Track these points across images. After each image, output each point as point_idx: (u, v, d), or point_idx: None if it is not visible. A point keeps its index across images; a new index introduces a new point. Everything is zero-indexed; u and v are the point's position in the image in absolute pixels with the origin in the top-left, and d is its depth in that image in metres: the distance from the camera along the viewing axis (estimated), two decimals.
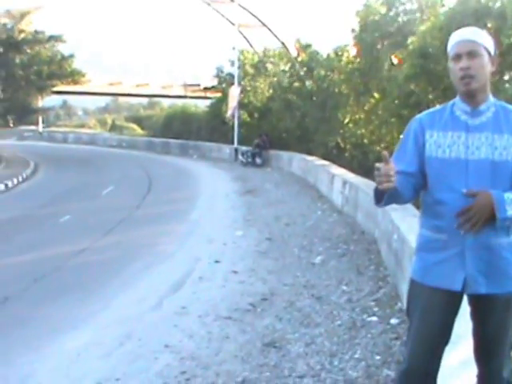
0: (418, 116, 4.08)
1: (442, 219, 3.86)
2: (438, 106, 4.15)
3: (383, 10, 32.86)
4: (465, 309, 4.05)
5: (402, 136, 4.14)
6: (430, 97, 23.10)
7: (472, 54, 3.84)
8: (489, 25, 24.56)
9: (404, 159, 3.95)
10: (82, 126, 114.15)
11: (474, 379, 4.15)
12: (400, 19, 32.62)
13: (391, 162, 3.65)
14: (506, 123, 3.87)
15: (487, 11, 24.25)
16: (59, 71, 49.07)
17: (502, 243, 3.84)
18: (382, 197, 3.83)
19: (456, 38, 3.94)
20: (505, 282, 3.88)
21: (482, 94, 3.90)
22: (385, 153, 3.65)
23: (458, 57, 3.86)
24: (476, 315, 4.00)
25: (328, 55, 41.69)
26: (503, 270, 3.87)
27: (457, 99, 3.99)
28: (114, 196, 24.54)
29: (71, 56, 50.12)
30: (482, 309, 3.93)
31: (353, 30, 34.74)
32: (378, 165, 3.63)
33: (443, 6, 30.84)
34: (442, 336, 3.96)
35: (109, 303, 10.04)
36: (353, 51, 37.19)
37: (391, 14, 32.76)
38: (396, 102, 26.06)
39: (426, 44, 23.03)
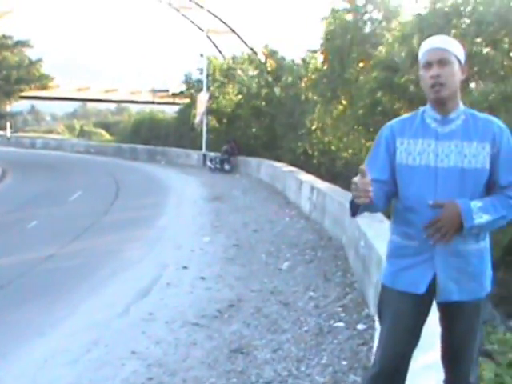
0: (389, 123, 4.10)
1: (412, 227, 3.91)
2: (408, 114, 4.16)
3: (349, 17, 33.07)
4: (434, 313, 4.10)
5: (373, 143, 4.15)
6: (396, 106, 23.31)
7: (442, 62, 3.87)
8: (453, 31, 24.83)
9: (376, 167, 3.95)
10: (50, 131, 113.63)
11: None
12: (366, 27, 32.85)
13: (368, 177, 3.62)
14: (475, 131, 3.91)
15: (458, 14, 24.48)
16: (27, 76, 48.76)
17: (471, 250, 3.90)
18: (358, 209, 3.84)
19: (427, 46, 3.98)
20: (475, 289, 3.96)
21: (452, 102, 3.93)
22: (362, 167, 3.62)
23: (428, 65, 3.89)
24: (445, 321, 4.05)
25: (293, 62, 41.93)
26: (473, 277, 3.94)
27: (427, 107, 4.03)
28: (81, 202, 24.41)
29: (39, 61, 49.83)
30: (452, 315, 3.99)
31: (320, 38, 34.93)
32: (354, 179, 3.60)
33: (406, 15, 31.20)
34: (412, 339, 4.01)
35: (76, 309, 10.01)
36: (320, 58, 37.36)
37: (357, 21, 32.95)
38: (361, 111, 26.24)
39: (391, 55, 23.27)
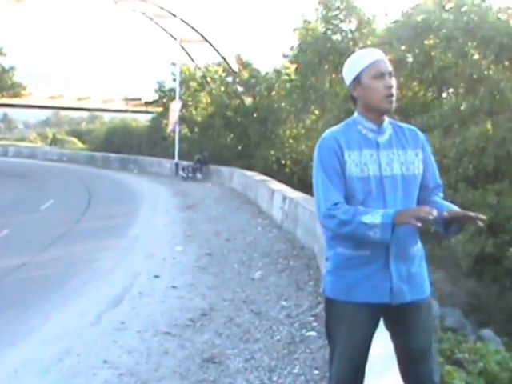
0: (331, 135, 4.02)
1: None
2: (339, 126, 4.12)
3: (321, 28, 33.27)
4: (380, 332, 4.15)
5: (319, 157, 4.00)
6: None
7: (392, 74, 4.00)
8: (426, 42, 25.10)
9: (341, 184, 3.93)
10: (23, 139, 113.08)
11: None
12: (336, 38, 33.09)
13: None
14: (404, 139, 4.07)
15: (428, 28, 24.76)
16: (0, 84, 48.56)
17: (415, 251, 4.03)
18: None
19: (373, 57, 4.04)
20: (421, 288, 4.05)
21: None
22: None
23: (382, 75, 3.96)
24: (402, 326, 4.05)
25: (267, 73, 42.11)
26: (420, 275, 4.05)
27: (358, 118, 4.08)
28: (53, 210, 24.30)
29: (12, 69, 49.66)
30: (408, 317, 4.01)
31: (291, 48, 35.16)
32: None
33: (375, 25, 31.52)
34: (367, 349, 4.03)
35: (48, 318, 9.95)
36: (292, 68, 37.58)
37: (329, 32, 33.19)
38: (334, 121, 26.41)
39: None
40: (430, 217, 3.59)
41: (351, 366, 4.02)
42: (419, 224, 3.61)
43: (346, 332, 3.99)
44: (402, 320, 4.03)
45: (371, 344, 4.06)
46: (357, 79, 4.03)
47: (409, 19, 26.23)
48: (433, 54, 25.36)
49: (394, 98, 3.97)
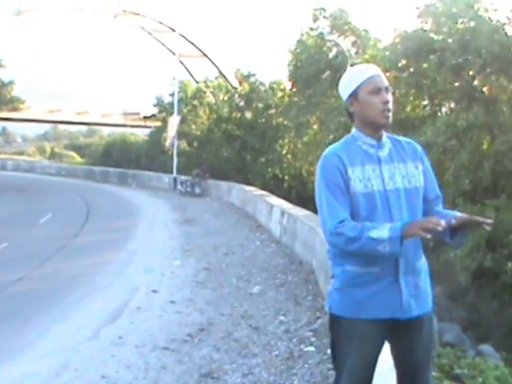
0: (333, 152, 4.02)
1: None
2: (339, 142, 4.14)
3: (316, 45, 33.42)
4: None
5: (322, 174, 4.00)
6: None
7: (388, 90, 4.02)
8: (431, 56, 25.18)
9: (346, 201, 3.91)
10: (21, 153, 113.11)
11: None
12: (332, 54, 33.23)
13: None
14: (404, 152, 4.09)
15: (430, 46, 24.84)
16: None
17: (421, 265, 4.05)
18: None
19: (369, 72, 4.05)
20: (426, 302, 4.06)
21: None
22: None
23: (379, 90, 3.97)
24: (405, 339, 4.03)
25: (265, 90, 42.24)
26: (424, 290, 4.06)
27: (356, 134, 4.09)
28: (51, 224, 24.29)
29: (11, 83, 49.76)
30: (412, 331, 4.01)
31: (288, 65, 35.31)
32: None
33: (379, 41, 31.62)
34: (374, 365, 4.02)
35: (46, 333, 9.93)
36: (288, 85, 37.74)
37: (324, 48, 33.33)
38: (332, 135, 26.45)
39: None
40: (439, 228, 3.60)
41: (363, 380, 4.01)
42: (429, 235, 3.62)
43: (356, 350, 3.96)
44: (407, 333, 4.02)
45: (378, 359, 4.05)
46: (354, 95, 4.04)
47: (402, 41, 26.35)
48: (428, 71, 25.44)
49: (390, 114, 3.98)
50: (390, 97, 4.00)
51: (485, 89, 24.58)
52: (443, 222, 3.61)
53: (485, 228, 3.84)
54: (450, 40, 24.28)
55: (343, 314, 4.00)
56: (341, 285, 4.03)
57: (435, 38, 25.29)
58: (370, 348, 3.97)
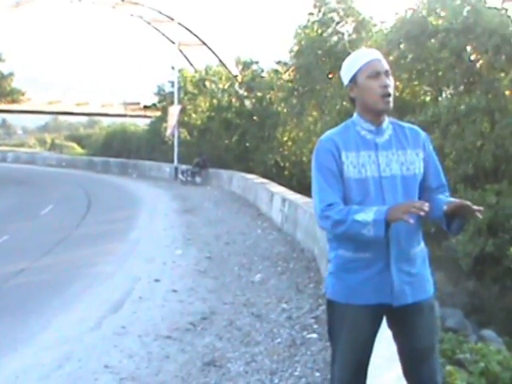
0: (329, 137, 4.02)
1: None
2: (338, 127, 4.13)
3: (317, 31, 33.29)
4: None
5: (316, 158, 4.01)
6: None
7: (388, 74, 3.97)
8: (433, 40, 25.12)
9: (338, 185, 3.92)
10: (22, 144, 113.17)
11: None
12: (333, 40, 33.11)
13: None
14: (405, 139, 4.05)
15: (422, 32, 24.79)
16: None
17: (417, 252, 4.02)
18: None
19: (369, 57, 4.01)
20: (423, 289, 4.04)
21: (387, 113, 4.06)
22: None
23: (377, 74, 3.93)
24: (405, 327, 4.03)
25: (268, 73, 42.08)
26: (422, 276, 4.04)
27: (356, 119, 4.07)
28: (53, 216, 24.28)
29: (10, 75, 49.72)
30: (411, 318, 4.00)
31: (290, 51, 35.18)
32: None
33: (375, 25, 31.53)
34: (368, 351, 4.03)
35: (48, 324, 9.94)
36: (288, 72, 37.64)
37: (325, 35, 33.21)
38: (332, 122, 26.36)
39: None
40: (422, 213, 3.57)
41: (353, 367, 4.01)
42: (411, 220, 3.58)
43: (347, 334, 3.98)
44: (405, 321, 4.02)
45: (373, 345, 4.06)
46: (353, 79, 4.01)
47: (403, 24, 26.25)
48: (430, 54, 25.35)
49: (390, 98, 3.94)
50: (390, 81, 3.95)
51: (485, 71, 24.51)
52: (426, 207, 3.57)
53: (477, 216, 3.80)
54: (453, 22, 24.21)
55: (336, 299, 4.04)
56: (334, 269, 4.08)
57: (438, 21, 25.21)
58: (361, 333, 3.98)
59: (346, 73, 4.08)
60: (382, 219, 3.67)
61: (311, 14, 33.79)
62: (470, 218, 4.00)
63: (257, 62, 45.34)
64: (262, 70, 44.33)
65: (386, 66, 3.98)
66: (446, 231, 4.08)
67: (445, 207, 3.88)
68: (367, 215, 3.70)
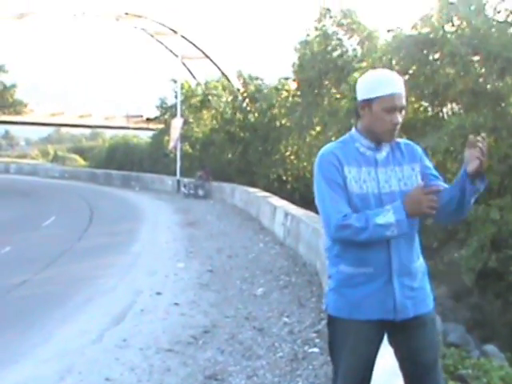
0: (330, 151, 4.03)
1: (367, 253, 3.90)
2: (337, 141, 4.15)
3: (320, 46, 33.26)
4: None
5: (320, 171, 4.01)
6: None
7: (402, 110, 3.98)
8: (430, 57, 25.08)
9: (346, 198, 3.92)
10: (24, 156, 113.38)
11: None
12: (336, 54, 33.07)
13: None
14: (401, 155, 4.08)
15: (431, 43, 24.75)
16: (1, 102, 48.81)
17: (416, 266, 4.03)
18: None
19: (392, 88, 3.95)
20: (424, 302, 4.04)
21: None
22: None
23: (394, 110, 3.92)
24: (406, 341, 4.02)
25: (270, 89, 42.09)
26: (422, 290, 4.05)
27: (356, 135, 4.08)
28: (55, 227, 24.30)
29: (13, 86, 49.87)
30: (412, 333, 3.99)
31: (293, 65, 35.20)
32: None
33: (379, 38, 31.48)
34: (371, 366, 4.02)
35: (49, 336, 9.92)
36: (293, 86, 37.65)
37: (329, 48, 33.18)
38: (334, 137, 26.33)
39: None
40: (433, 211, 3.71)
41: (356, 383, 3.99)
42: (434, 211, 3.72)
43: (350, 349, 3.97)
44: (407, 335, 4.01)
45: (376, 360, 4.04)
46: (368, 102, 3.97)
47: (412, 33, 26.18)
48: (436, 69, 25.27)
49: (396, 132, 3.99)
50: (401, 118, 3.95)
51: (491, 87, 24.42)
52: (435, 187, 3.75)
53: (483, 147, 3.77)
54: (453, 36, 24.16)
55: (338, 315, 4.02)
56: (335, 285, 4.05)
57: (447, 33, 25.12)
58: (364, 349, 3.97)
59: (364, 90, 4.03)
60: (404, 218, 3.73)
61: (315, 28, 33.78)
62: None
63: (262, 79, 45.28)
64: (265, 85, 44.28)
65: (404, 102, 3.97)
66: (458, 220, 4.09)
67: (468, 168, 3.82)
68: (387, 217, 3.74)
